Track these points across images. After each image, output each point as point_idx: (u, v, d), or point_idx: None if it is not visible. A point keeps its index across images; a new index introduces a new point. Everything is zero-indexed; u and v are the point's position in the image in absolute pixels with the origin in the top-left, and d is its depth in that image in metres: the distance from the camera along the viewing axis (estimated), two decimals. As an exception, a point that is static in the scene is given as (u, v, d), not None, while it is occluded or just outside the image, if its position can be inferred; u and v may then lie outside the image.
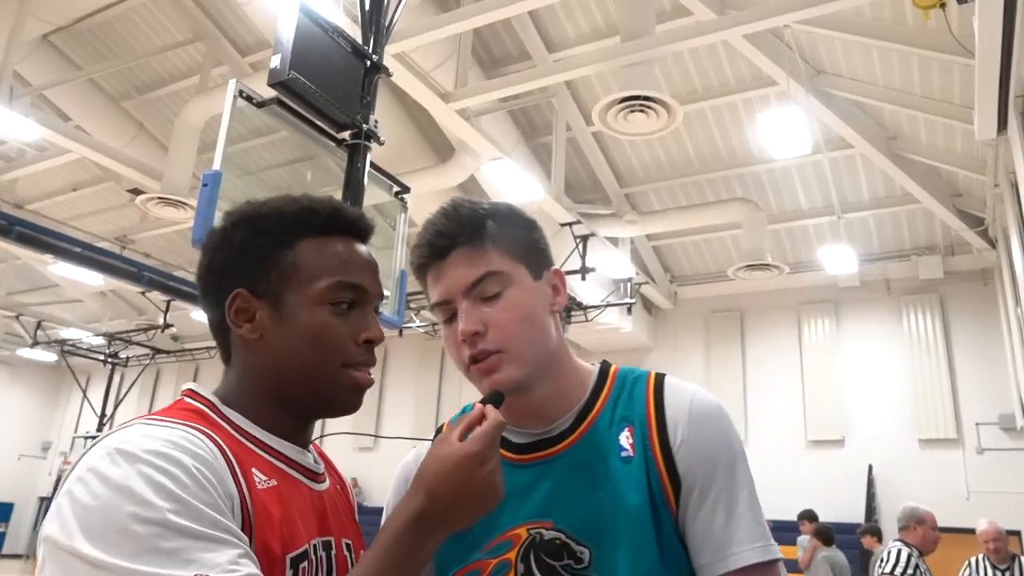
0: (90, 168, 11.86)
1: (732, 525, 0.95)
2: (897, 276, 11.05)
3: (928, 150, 8.72)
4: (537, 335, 1.03)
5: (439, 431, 1.08)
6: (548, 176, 9.07)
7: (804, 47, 7.80)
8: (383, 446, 14.04)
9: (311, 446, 1.03)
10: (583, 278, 9.56)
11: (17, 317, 15.77)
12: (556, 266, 1.10)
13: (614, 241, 10.37)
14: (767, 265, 9.14)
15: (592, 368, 1.12)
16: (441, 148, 9.43)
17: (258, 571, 0.73)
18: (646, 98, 6.21)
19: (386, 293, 4.11)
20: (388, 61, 3.57)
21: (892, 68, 7.81)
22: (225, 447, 0.83)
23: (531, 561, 0.98)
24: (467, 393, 14.08)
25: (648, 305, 12.71)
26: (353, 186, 3.16)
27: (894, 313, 11.16)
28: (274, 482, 0.87)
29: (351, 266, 0.97)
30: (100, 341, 16.65)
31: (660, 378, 1.07)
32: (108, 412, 17.53)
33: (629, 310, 11.24)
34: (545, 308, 1.06)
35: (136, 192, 10.18)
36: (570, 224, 9.41)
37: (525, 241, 1.06)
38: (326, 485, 1.00)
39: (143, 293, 12.66)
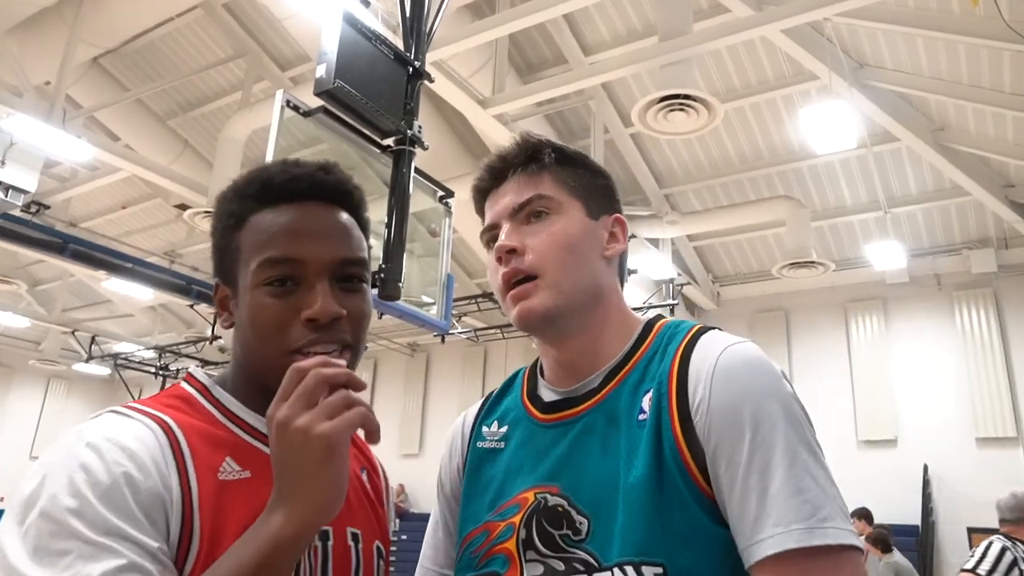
0: (139, 186, 12.19)
1: (767, 502, 0.78)
2: (948, 271, 10.76)
3: (978, 141, 8.48)
4: (578, 267, 0.96)
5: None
6: (587, 179, 9.05)
7: (845, 40, 7.67)
8: (429, 452, 14.12)
9: None
10: (624, 280, 9.50)
11: (73, 333, 16.27)
12: (622, 216, 1.06)
13: (655, 242, 10.30)
14: (812, 263, 8.98)
15: (640, 322, 1.02)
16: (479, 154, 9.48)
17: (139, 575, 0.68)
18: (686, 97, 6.16)
19: (428, 300, 4.14)
20: (427, 68, 3.61)
21: (938, 58, 7.63)
22: (181, 439, 0.79)
23: (532, 527, 0.91)
24: (510, 399, 14.10)
25: (691, 306, 12.57)
26: (399, 192, 3.19)
27: (946, 309, 10.87)
28: (247, 473, 0.83)
29: (279, 238, 0.86)
30: (151, 354, 17.06)
31: (700, 331, 0.94)
32: (160, 424, 17.95)
33: (672, 311, 11.13)
34: (594, 247, 0.99)
35: (183, 207, 10.43)
36: (610, 227, 9.38)
37: (586, 179, 1.02)
38: None
39: (191, 306, 12.95)
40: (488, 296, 11.71)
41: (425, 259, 4.19)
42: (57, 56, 7.91)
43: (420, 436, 14.44)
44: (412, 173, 3.23)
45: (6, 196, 8.03)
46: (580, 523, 0.87)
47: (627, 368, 0.94)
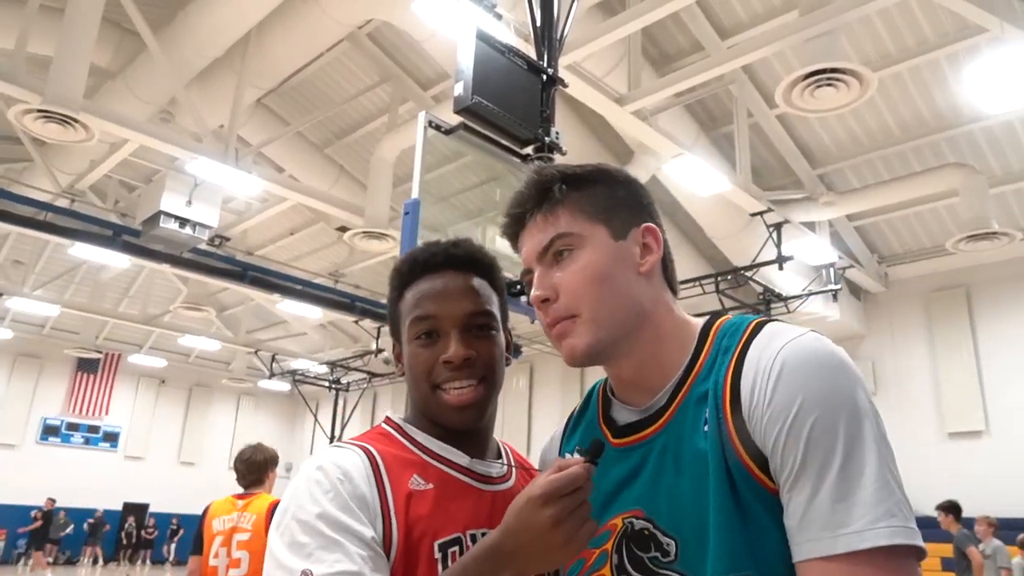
0: (303, 212, 13.14)
1: (851, 500, 0.76)
2: None
3: None
4: (613, 296, 0.95)
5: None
6: (733, 166, 8.77)
7: (1016, -15, 6.96)
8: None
9: (508, 451, 1.22)
10: (780, 267, 9.12)
11: (256, 352, 17.76)
12: (651, 223, 1.01)
13: (811, 226, 9.79)
14: (994, 233, 8.19)
15: (698, 326, 1.00)
16: (619, 152, 9.44)
17: (355, 566, 0.91)
18: (833, 70, 5.83)
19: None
20: (561, 73, 3.66)
21: None
22: (380, 462, 1.04)
23: (623, 552, 0.95)
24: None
25: (856, 290, 11.84)
26: (540, 197, 3.25)
27: None
28: (431, 485, 1.05)
29: (422, 301, 1.12)
30: (324, 369, 18.28)
31: (757, 327, 0.91)
32: (337, 433, 19.17)
33: (835, 297, 10.55)
34: (627, 268, 0.98)
35: (343, 229, 11.12)
36: (761, 213, 9.03)
37: (605, 199, 1.00)
38: (507, 486, 1.14)
39: (356, 322, 13.78)
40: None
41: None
42: (228, 100, 8.71)
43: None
44: (553, 178, 3.28)
45: (194, 232, 8.93)
46: (667, 544, 0.90)
47: (689, 381, 0.94)
